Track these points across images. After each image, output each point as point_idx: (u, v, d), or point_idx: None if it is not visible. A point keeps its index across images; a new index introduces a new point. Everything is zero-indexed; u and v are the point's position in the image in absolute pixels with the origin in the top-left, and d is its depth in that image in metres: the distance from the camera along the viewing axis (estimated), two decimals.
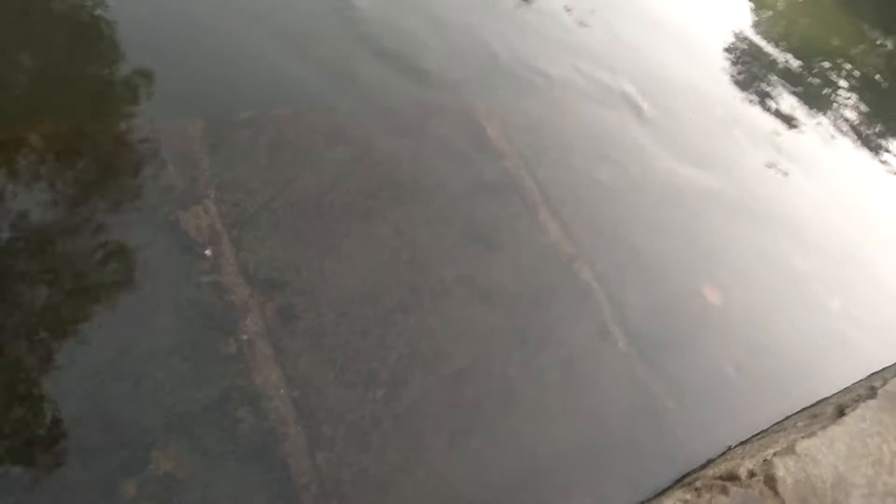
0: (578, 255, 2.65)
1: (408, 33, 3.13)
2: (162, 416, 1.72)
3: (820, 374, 2.78)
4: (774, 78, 4.52)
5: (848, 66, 5.01)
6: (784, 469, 2.09)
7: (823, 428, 2.31)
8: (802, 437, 2.24)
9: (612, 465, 2.17)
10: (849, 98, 4.71)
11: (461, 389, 2.12)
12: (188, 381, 1.80)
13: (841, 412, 2.45)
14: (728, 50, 4.58)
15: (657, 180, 3.17)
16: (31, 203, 1.94)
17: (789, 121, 4.20)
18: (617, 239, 2.82)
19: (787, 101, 4.35)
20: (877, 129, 4.59)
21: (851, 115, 4.57)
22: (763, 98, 4.27)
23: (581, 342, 2.41)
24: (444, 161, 2.66)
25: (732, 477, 2.08)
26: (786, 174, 3.78)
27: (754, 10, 5.25)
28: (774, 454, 2.15)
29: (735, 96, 4.17)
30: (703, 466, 2.26)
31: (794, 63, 4.76)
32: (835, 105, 4.62)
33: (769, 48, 4.76)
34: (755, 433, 2.44)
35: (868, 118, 4.64)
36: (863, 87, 4.90)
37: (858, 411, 2.40)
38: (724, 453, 2.33)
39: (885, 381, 2.58)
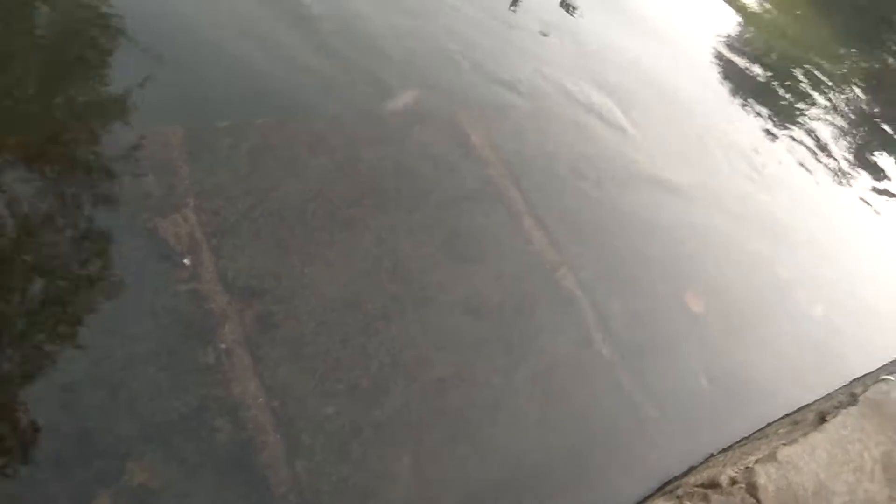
0: (562, 263, 2.66)
1: (391, 42, 3.14)
2: (138, 425, 1.70)
3: (802, 381, 2.80)
4: (756, 87, 4.58)
5: (824, 77, 5.10)
6: (766, 476, 2.09)
7: (805, 435, 2.31)
8: (784, 444, 2.24)
9: (595, 473, 2.17)
10: (826, 109, 4.79)
11: (444, 398, 2.11)
12: (165, 391, 1.78)
13: (822, 419, 2.46)
14: (713, 60, 4.64)
15: (641, 189, 3.19)
16: (5, 210, 1.91)
17: (769, 131, 4.25)
18: (601, 247, 2.83)
19: (768, 110, 4.41)
20: (855, 140, 4.66)
21: (829, 125, 4.64)
22: (744, 108, 4.32)
23: (565, 350, 2.41)
24: (428, 169, 2.66)
25: (714, 484, 2.08)
26: (769, 181, 3.82)
27: (736, 21, 5.33)
28: (756, 461, 2.15)
29: (717, 106, 4.22)
30: (685, 474, 2.26)
31: (773, 72, 4.83)
32: (813, 116, 4.69)
33: (751, 58, 4.83)
34: (737, 440, 2.45)
35: (846, 128, 4.71)
36: (839, 99, 4.98)
37: (839, 418, 2.41)
38: (706, 461, 2.33)
39: (866, 388, 2.59)
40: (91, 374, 1.74)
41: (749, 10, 5.50)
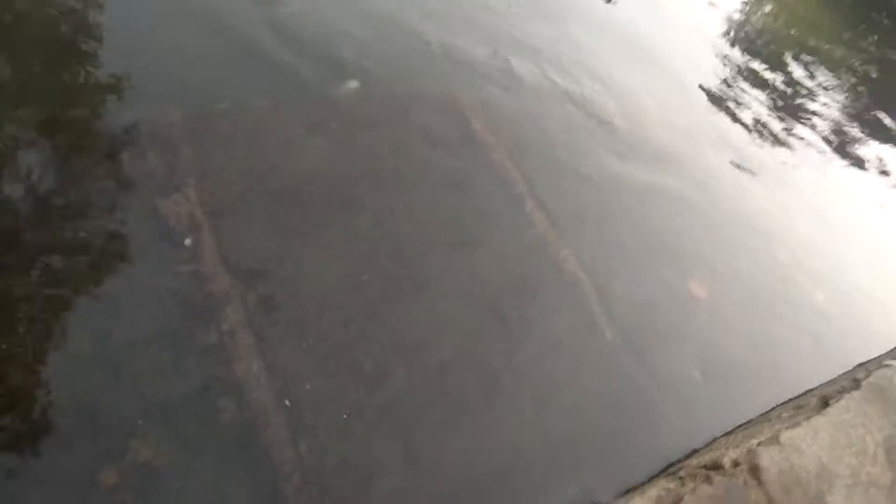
0: (564, 247, 2.64)
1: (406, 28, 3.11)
2: (142, 405, 1.70)
3: (804, 366, 2.79)
4: (754, 78, 4.55)
5: (823, 67, 5.06)
6: (768, 459, 2.09)
7: (808, 419, 2.31)
8: (787, 428, 2.24)
9: (597, 455, 2.17)
10: (826, 99, 4.75)
11: (445, 380, 2.11)
12: (168, 371, 1.78)
13: (825, 403, 2.45)
14: (713, 47, 4.61)
15: (641, 175, 3.17)
16: (6, 191, 1.91)
17: (766, 122, 4.22)
18: (603, 231, 2.81)
19: (768, 100, 4.38)
20: (854, 131, 4.63)
21: (829, 117, 4.61)
22: (741, 98, 4.29)
23: (567, 333, 2.41)
24: (426, 151, 2.64)
25: (716, 466, 2.08)
26: (771, 168, 3.80)
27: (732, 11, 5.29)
28: (759, 444, 2.15)
29: (715, 95, 4.19)
30: (687, 457, 2.25)
31: (771, 63, 4.79)
32: (812, 106, 4.66)
33: (745, 47, 4.80)
34: (740, 424, 2.44)
35: (845, 119, 4.68)
36: (839, 88, 4.95)
37: (842, 402, 2.40)
38: (709, 444, 2.33)
39: (869, 373, 2.59)
40: (95, 353, 1.74)
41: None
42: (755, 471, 2.05)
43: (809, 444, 2.22)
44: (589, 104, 3.36)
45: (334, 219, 2.27)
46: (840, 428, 2.31)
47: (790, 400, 2.63)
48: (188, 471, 1.64)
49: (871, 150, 4.54)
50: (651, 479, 2.12)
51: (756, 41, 5.00)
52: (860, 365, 2.91)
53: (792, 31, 5.34)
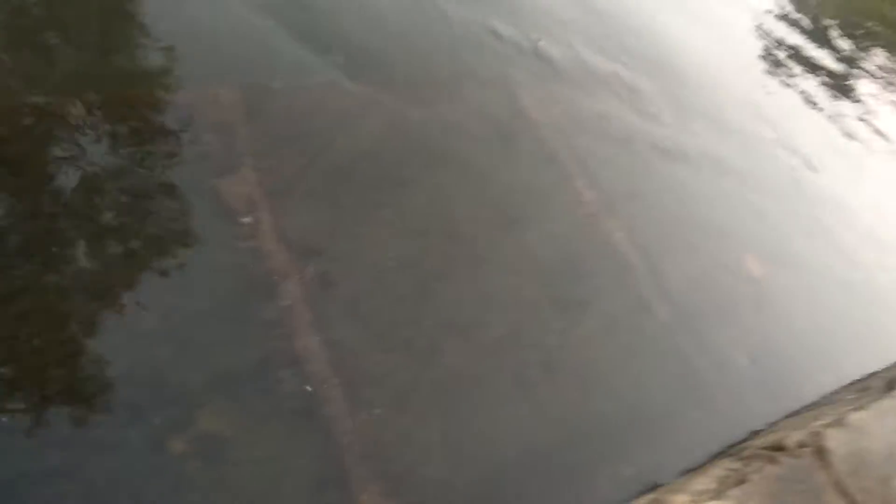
0: (616, 224, 2.60)
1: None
2: (206, 377, 1.73)
3: (868, 347, 2.70)
4: (818, 53, 4.37)
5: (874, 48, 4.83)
6: (835, 440, 2.03)
7: (874, 401, 2.23)
8: (853, 410, 2.17)
9: (654, 435, 2.13)
10: (875, 78, 4.54)
11: (500, 357, 2.10)
12: (230, 345, 1.81)
13: (891, 386, 2.37)
14: (775, 18, 4.45)
15: (696, 152, 3.09)
16: (72, 170, 1.96)
17: (832, 104, 4.06)
18: (656, 209, 2.76)
19: (833, 81, 4.21)
20: None
21: (879, 94, 4.40)
22: (801, 72, 4.14)
23: (621, 312, 2.37)
24: (476, 129, 2.62)
25: (781, 448, 2.02)
26: (822, 150, 3.67)
27: None
28: (824, 426, 2.08)
29: (770, 70, 4.05)
30: (748, 438, 2.20)
31: (836, 43, 4.60)
32: (879, 80, 4.47)
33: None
34: (802, 406, 2.38)
35: None
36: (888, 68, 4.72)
37: None
38: (770, 425, 2.27)
39: None
40: (159, 327, 1.78)
41: None
42: (821, 452, 1.99)
43: (876, 426, 2.15)
44: (638, 81, 3.28)
45: (389, 197, 2.28)
46: None
47: (854, 382, 2.54)
48: (252, 441, 1.67)
49: None
50: (712, 458, 2.07)
51: (820, 19, 4.81)
52: None
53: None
